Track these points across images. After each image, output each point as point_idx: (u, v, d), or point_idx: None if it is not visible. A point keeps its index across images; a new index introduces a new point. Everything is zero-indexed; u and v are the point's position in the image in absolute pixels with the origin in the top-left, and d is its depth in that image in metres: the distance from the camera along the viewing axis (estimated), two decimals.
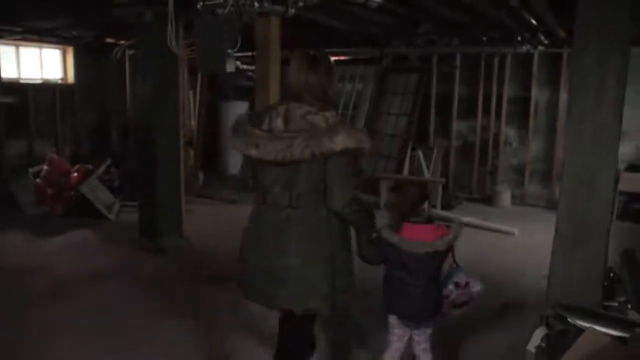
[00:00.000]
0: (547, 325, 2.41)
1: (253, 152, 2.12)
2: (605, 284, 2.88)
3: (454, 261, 2.52)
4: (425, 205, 2.61)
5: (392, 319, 2.54)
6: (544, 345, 2.37)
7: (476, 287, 2.51)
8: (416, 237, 2.36)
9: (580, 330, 2.29)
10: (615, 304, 2.89)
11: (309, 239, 2.16)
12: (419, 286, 2.40)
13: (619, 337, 2.26)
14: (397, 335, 2.55)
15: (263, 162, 2.13)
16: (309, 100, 2.13)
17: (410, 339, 2.55)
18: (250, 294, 2.32)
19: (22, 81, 7.31)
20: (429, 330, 2.53)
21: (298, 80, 2.18)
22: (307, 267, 2.15)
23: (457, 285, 2.49)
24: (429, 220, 2.47)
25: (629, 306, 2.79)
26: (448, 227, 2.49)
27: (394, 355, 2.56)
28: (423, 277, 2.41)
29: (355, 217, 2.20)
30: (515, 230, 5.47)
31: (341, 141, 2.04)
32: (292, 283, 2.14)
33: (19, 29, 6.52)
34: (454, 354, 3.22)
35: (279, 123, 2.11)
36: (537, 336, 2.42)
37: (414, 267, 2.38)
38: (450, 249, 2.44)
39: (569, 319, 2.39)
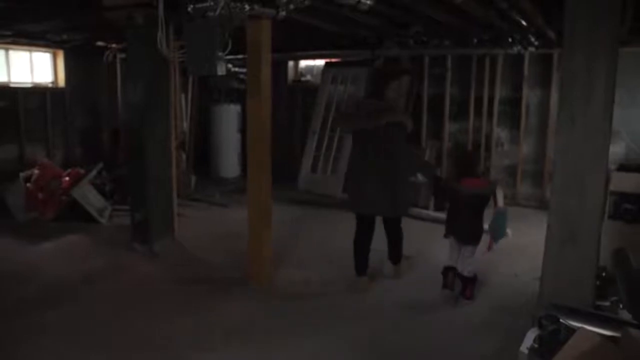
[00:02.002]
0: (540, 326, 2.41)
1: None
2: (597, 283, 2.89)
3: (496, 205, 3.88)
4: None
5: (451, 239, 3.99)
6: (536, 346, 2.37)
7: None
8: (470, 186, 3.86)
9: (572, 330, 2.30)
10: (607, 304, 2.90)
11: None
12: (468, 218, 3.85)
13: (611, 337, 2.26)
14: (453, 248, 3.97)
15: None
16: None
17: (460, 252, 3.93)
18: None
19: (12, 85, 7.26)
20: (471, 248, 3.89)
21: None
22: None
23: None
24: (477, 175, 4.18)
25: (621, 306, 2.79)
26: (489, 181, 4.28)
27: (454, 257, 3.97)
28: (471, 212, 3.85)
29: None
30: (508, 231, 5.47)
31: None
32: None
33: (8, 33, 6.47)
34: (446, 355, 3.23)
35: None
36: (530, 337, 2.42)
37: (465, 205, 3.83)
38: (490, 196, 3.85)
39: (561, 319, 2.39)
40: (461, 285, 3.97)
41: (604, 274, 3.15)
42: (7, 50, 7.20)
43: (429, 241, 5.01)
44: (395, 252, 4.40)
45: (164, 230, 5.13)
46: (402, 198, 4.16)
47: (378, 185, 3.93)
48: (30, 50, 7.50)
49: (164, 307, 3.85)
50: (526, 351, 2.38)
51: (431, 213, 6.37)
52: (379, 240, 4.29)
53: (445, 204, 4.07)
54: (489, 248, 3.96)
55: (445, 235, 4.02)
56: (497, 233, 3.92)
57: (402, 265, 4.46)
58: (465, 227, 3.89)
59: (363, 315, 3.74)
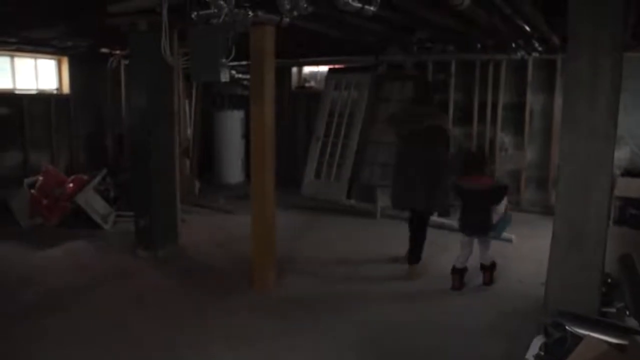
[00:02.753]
0: (546, 333, 2.40)
1: None
2: (603, 290, 2.87)
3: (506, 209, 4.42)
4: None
5: (462, 237, 4.32)
6: (542, 353, 2.35)
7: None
8: (475, 183, 4.24)
9: (579, 338, 2.28)
10: (613, 310, 2.88)
11: None
12: (477, 213, 4.20)
13: (618, 345, 2.24)
14: (464, 246, 4.30)
15: None
16: None
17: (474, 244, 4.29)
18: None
19: (17, 92, 7.30)
20: (485, 239, 4.28)
21: None
22: None
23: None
24: (483, 174, 4.45)
25: (627, 312, 2.77)
26: (494, 180, 4.72)
27: (465, 255, 4.28)
28: (479, 207, 4.19)
29: None
30: (513, 237, 5.45)
31: None
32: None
33: (13, 40, 6.50)
34: None
35: None
36: (536, 344, 2.40)
37: (472, 201, 4.23)
38: (499, 193, 4.32)
39: (567, 327, 2.37)
40: (482, 274, 4.37)
41: (609, 280, 3.13)
42: (12, 57, 7.23)
43: (433, 244, 4.99)
44: (415, 252, 4.59)
45: (167, 236, 5.13)
46: (437, 195, 4.48)
47: (416, 182, 4.39)
48: (35, 57, 7.53)
49: (168, 312, 3.85)
50: (532, 359, 2.37)
51: (435, 219, 6.35)
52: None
53: (457, 202, 4.50)
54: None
55: (460, 231, 4.41)
56: (499, 230, 4.44)
57: (417, 267, 4.58)
58: (474, 222, 4.25)
59: (367, 319, 3.72)
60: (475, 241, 4.31)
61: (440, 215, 6.45)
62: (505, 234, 4.99)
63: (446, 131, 4.65)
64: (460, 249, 4.33)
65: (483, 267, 4.36)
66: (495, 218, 4.26)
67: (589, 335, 2.28)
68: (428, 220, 4.71)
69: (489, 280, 4.35)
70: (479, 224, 4.24)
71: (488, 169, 4.94)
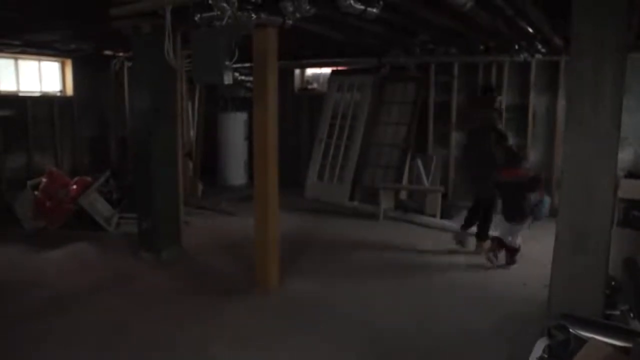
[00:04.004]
0: (549, 336, 2.39)
1: None
2: (607, 292, 2.86)
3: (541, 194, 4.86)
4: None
5: (499, 216, 4.98)
6: (546, 356, 2.34)
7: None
8: (509, 175, 4.76)
9: (583, 341, 2.27)
10: (617, 313, 2.86)
11: None
12: (509, 202, 4.84)
13: (622, 347, 2.23)
14: (502, 223, 4.92)
15: None
16: None
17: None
18: None
19: (21, 94, 7.33)
20: (514, 224, 4.79)
21: None
22: None
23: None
24: (520, 167, 4.92)
25: (631, 315, 2.76)
26: (527, 172, 4.96)
27: (499, 231, 4.94)
28: (511, 196, 4.80)
29: None
30: (519, 239, 5.43)
31: None
32: None
33: (17, 42, 6.53)
34: None
35: None
36: (539, 347, 2.39)
37: (506, 190, 4.83)
38: (533, 184, 4.81)
39: (570, 329, 2.36)
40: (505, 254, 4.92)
41: (613, 283, 3.12)
42: (16, 59, 7.27)
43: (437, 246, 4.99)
44: (482, 230, 5.31)
45: (170, 238, 5.13)
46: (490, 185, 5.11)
47: (477, 173, 5.20)
48: (39, 60, 7.57)
49: (170, 314, 3.84)
50: None
51: (438, 221, 6.35)
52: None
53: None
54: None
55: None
56: (538, 214, 4.86)
57: (485, 244, 5.19)
58: (507, 208, 4.85)
59: (368, 320, 3.71)
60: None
61: (442, 217, 6.46)
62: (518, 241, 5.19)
63: (497, 129, 5.30)
64: (499, 225, 5.01)
65: (507, 248, 4.88)
66: (531, 204, 4.76)
67: (592, 338, 2.27)
68: (491, 206, 5.32)
69: (510, 261, 4.87)
70: (510, 213, 4.80)
71: (523, 163, 5.33)
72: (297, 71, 9.01)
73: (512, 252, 4.88)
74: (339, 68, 8.18)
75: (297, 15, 3.67)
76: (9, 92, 7.18)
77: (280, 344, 3.41)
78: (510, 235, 4.82)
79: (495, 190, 5.04)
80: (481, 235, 5.33)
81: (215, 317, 3.79)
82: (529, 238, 5.13)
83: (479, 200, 5.39)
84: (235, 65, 3.59)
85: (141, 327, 3.62)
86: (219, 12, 3.42)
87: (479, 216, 5.38)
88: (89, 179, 6.40)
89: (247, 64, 5.34)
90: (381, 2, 3.77)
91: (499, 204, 5.10)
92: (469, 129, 5.49)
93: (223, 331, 3.57)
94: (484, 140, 5.11)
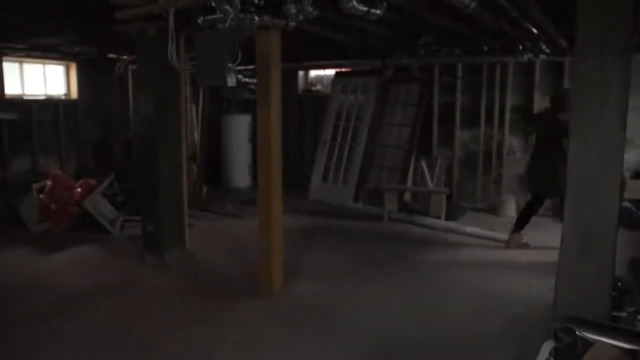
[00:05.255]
0: (555, 339, 2.37)
1: None
2: (613, 294, 2.84)
3: None
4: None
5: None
6: (552, 359, 2.32)
7: None
8: None
9: (589, 343, 2.25)
10: (624, 315, 2.84)
11: None
12: None
13: (630, 350, 2.21)
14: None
15: None
16: None
17: None
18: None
19: (26, 97, 7.36)
20: None
21: None
22: None
23: None
24: None
25: (639, 317, 2.74)
26: None
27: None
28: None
29: None
30: (525, 240, 5.42)
31: None
32: None
33: (22, 46, 6.57)
34: None
35: None
36: (545, 350, 2.37)
37: None
38: None
39: (577, 332, 2.34)
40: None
41: (620, 284, 3.09)
42: (21, 63, 7.30)
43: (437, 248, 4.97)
44: (523, 221, 5.41)
45: (175, 241, 5.14)
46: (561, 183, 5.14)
47: (542, 171, 5.22)
48: (43, 63, 7.60)
49: (174, 317, 3.84)
50: None
51: (442, 222, 6.34)
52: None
53: None
54: None
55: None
56: None
57: (516, 236, 5.39)
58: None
59: (373, 324, 3.70)
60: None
61: (447, 218, 6.44)
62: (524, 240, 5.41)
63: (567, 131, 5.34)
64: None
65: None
66: None
67: (599, 341, 2.25)
68: (544, 201, 5.47)
69: None
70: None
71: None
72: (301, 73, 9.01)
73: None
74: (343, 70, 8.18)
75: (300, 17, 3.67)
76: (14, 95, 7.21)
77: (284, 347, 3.40)
78: None
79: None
80: (522, 225, 5.41)
81: (219, 319, 3.79)
82: (537, 240, 5.12)
83: (543, 197, 5.44)
84: (238, 68, 3.60)
85: (144, 329, 3.62)
86: (221, 15, 3.43)
87: (533, 213, 5.45)
88: (93, 181, 6.42)
89: (250, 66, 5.34)
90: (384, 4, 3.76)
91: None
92: (540, 131, 5.45)
93: (226, 334, 3.56)
94: (561, 142, 5.09)
